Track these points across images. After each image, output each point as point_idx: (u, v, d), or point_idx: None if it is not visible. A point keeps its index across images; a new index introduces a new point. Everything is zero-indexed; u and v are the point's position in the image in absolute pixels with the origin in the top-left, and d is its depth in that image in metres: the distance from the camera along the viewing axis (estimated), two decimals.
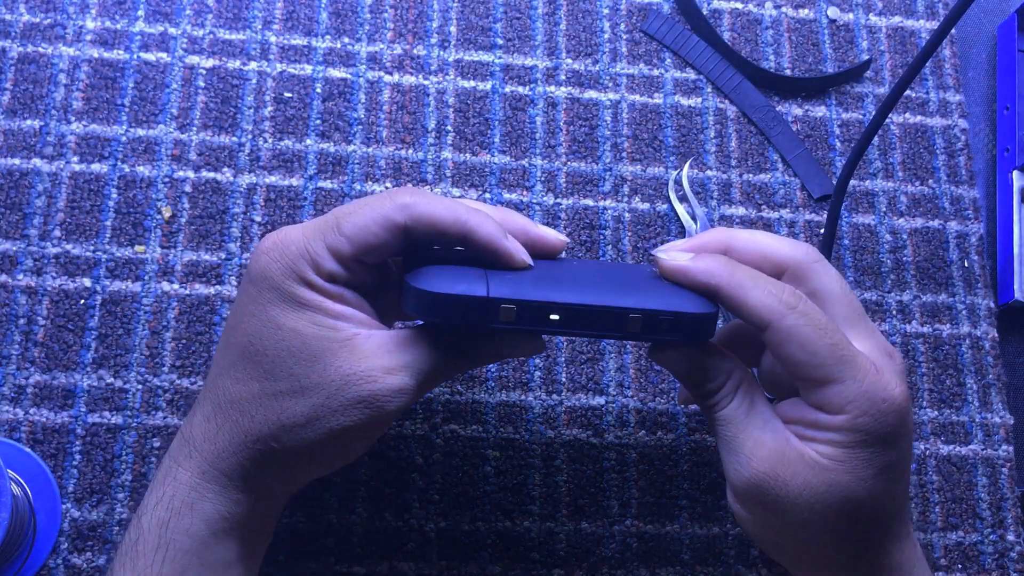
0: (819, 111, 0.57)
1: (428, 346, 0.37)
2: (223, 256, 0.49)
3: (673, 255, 0.39)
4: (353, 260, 0.36)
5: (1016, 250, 0.54)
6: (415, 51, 0.54)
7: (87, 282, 0.48)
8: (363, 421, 0.36)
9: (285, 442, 0.36)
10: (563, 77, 0.55)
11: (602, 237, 0.52)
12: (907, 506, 0.39)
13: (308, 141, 0.51)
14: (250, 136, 0.51)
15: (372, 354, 0.36)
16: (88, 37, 0.51)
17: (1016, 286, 0.53)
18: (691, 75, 0.56)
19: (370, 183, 0.51)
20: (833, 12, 0.59)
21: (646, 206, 0.53)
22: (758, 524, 0.39)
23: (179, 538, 0.36)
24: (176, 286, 0.48)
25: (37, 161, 0.49)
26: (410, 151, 0.52)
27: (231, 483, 0.37)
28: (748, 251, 0.40)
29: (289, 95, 0.52)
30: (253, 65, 0.52)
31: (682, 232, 0.53)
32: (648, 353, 0.41)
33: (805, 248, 0.40)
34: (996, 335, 0.53)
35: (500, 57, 0.54)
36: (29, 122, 0.49)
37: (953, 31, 0.58)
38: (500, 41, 0.55)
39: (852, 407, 0.36)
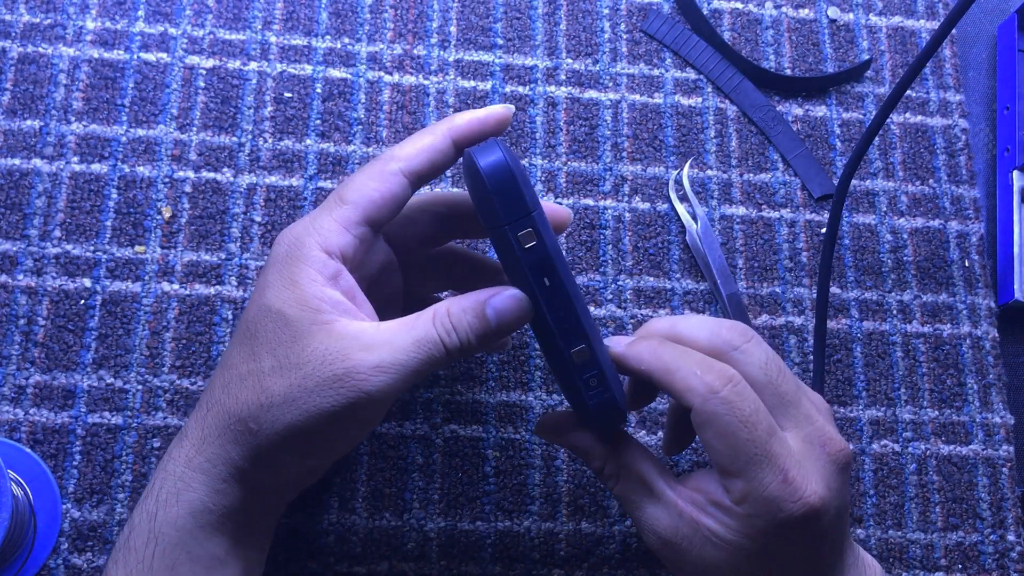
0: (819, 111, 0.57)
1: (409, 327, 0.36)
2: (223, 256, 0.49)
3: (615, 340, 0.40)
4: (363, 223, 0.37)
5: (1016, 250, 0.54)
6: (415, 51, 0.54)
7: (87, 282, 0.48)
8: (340, 403, 0.35)
9: (263, 423, 0.36)
10: (563, 77, 0.55)
11: (602, 237, 0.52)
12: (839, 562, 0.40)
13: (308, 141, 0.51)
14: (250, 136, 0.51)
15: (350, 336, 0.36)
16: (88, 37, 0.51)
17: (1016, 286, 0.53)
18: (691, 75, 0.56)
19: None
20: (833, 12, 0.59)
21: (646, 206, 0.53)
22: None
23: (167, 531, 0.36)
24: (176, 286, 0.48)
25: (37, 161, 0.49)
26: None
27: (214, 469, 0.37)
28: (677, 338, 0.40)
29: (289, 95, 0.52)
30: (253, 65, 0.52)
31: (682, 232, 0.53)
32: (538, 426, 0.42)
33: (727, 334, 0.39)
34: (996, 335, 0.53)
35: (500, 57, 0.54)
36: (29, 122, 0.49)
37: (953, 31, 0.58)
38: (500, 41, 0.55)
39: (748, 508, 0.36)
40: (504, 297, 0.37)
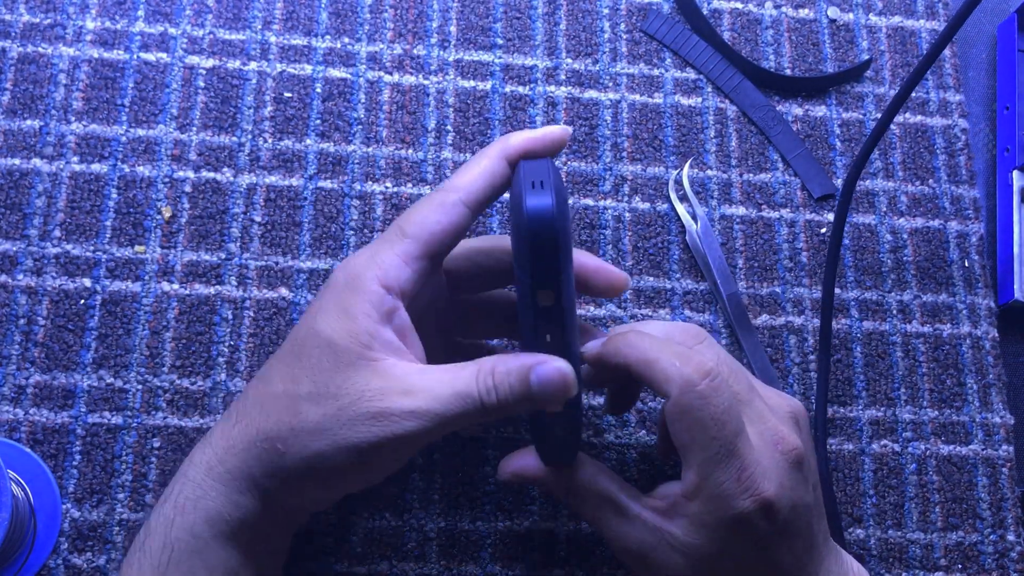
0: (819, 111, 0.57)
1: (451, 378, 0.36)
2: (223, 256, 0.49)
3: (588, 345, 0.40)
4: (424, 257, 0.37)
5: (1016, 250, 0.54)
6: (415, 51, 0.54)
7: (87, 282, 0.48)
8: (370, 441, 0.35)
9: (291, 447, 0.36)
10: (563, 77, 0.55)
11: (602, 237, 0.52)
12: (816, 549, 0.39)
13: (308, 141, 0.51)
14: (250, 136, 0.51)
15: (393, 376, 0.36)
16: (88, 37, 0.51)
17: (1016, 286, 0.53)
18: (691, 75, 0.56)
19: (370, 183, 0.51)
20: (833, 12, 0.59)
21: (646, 206, 0.53)
22: None
23: (183, 537, 0.36)
24: (176, 286, 0.48)
25: (37, 161, 0.49)
26: (410, 151, 0.52)
27: (234, 481, 0.37)
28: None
29: (289, 95, 0.52)
30: (253, 65, 0.52)
31: (682, 232, 0.53)
32: (499, 470, 0.42)
33: (680, 336, 0.39)
34: (996, 335, 0.53)
35: (500, 57, 0.54)
36: (29, 122, 0.49)
37: None
38: (500, 41, 0.55)
39: (699, 505, 0.37)
40: (550, 368, 0.36)
